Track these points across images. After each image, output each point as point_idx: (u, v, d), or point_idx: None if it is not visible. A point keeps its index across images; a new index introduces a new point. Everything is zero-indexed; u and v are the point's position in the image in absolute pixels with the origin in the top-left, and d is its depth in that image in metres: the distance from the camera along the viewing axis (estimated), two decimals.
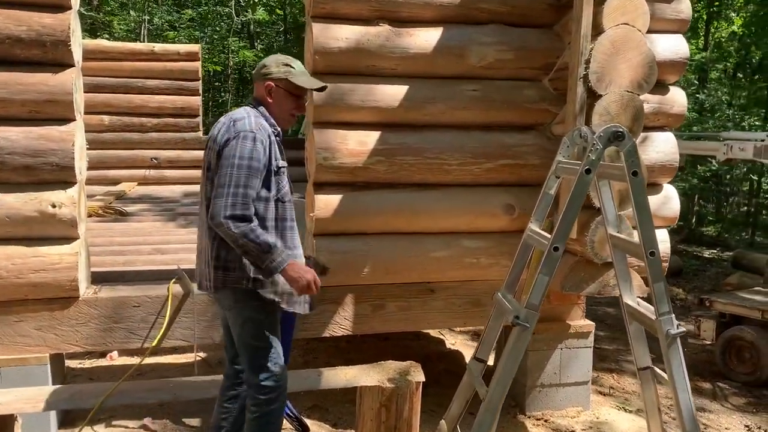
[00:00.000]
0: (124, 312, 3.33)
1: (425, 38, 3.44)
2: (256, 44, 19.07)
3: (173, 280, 3.51)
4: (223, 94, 20.18)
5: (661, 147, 3.77)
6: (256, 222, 2.41)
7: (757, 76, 14.66)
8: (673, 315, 2.63)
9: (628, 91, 3.30)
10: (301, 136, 12.55)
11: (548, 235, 2.73)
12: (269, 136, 2.52)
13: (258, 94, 2.64)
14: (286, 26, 18.76)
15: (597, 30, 3.26)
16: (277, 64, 2.60)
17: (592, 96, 3.30)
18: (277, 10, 18.17)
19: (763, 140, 5.94)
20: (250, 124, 2.48)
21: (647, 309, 2.81)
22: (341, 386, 3.09)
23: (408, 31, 3.43)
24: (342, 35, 3.35)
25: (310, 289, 2.47)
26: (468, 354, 5.05)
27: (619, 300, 3.03)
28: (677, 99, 3.86)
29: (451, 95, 3.51)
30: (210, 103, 19.81)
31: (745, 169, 14.01)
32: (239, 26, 18.57)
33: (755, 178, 14.44)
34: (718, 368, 5.16)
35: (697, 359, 5.66)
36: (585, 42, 3.23)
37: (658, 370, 2.94)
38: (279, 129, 2.62)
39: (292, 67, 2.59)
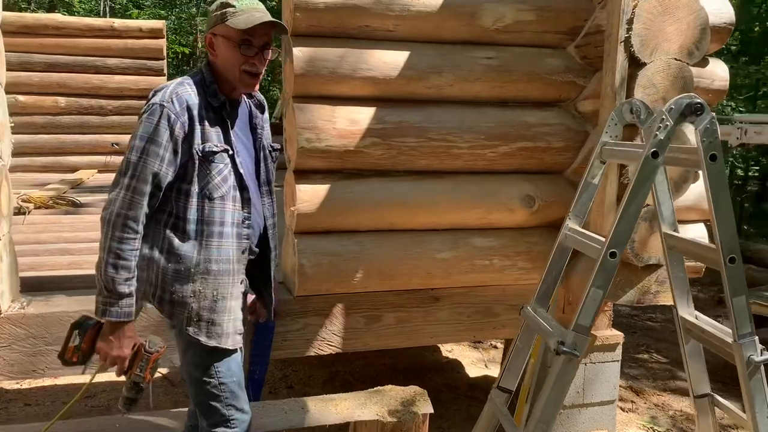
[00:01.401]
0: (60, 331, 2.68)
1: None
2: None
3: None
4: None
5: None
6: (137, 242, 1.85)
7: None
8: (757, 337, 2.08)
9: (676, 59, 2.74)
10: (274, 121, 11.84)
11: (599, 237, 2.16)
12: (188, 109, 1.89)
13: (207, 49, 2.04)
14: None
15: None
16: (216, 7, 1.97)
17: (634, 65, 2.73)
18: None
19: None
20: (164, 94, 1.90)
21: (716, 328, 2.26)
22: (333, 422, 2.49)
23: None
24: None
25: (113, 364, 1.90)
26: (469, 364, 4.48)
27: (673, 313, 2.48)
28: (717, 72, 3.30)
29: (460, 64, 2.91)
30: None
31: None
32: (209, 5, 17.70)
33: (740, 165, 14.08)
34: None
35: (720, 365, 5.18)
36: None
37: (720, 399, 2.42)
38: (224, 97, 1.98)
39: (232, 6, 1.93)
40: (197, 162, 1.91)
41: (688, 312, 2.42)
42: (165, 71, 8.34)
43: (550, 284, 2.42)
